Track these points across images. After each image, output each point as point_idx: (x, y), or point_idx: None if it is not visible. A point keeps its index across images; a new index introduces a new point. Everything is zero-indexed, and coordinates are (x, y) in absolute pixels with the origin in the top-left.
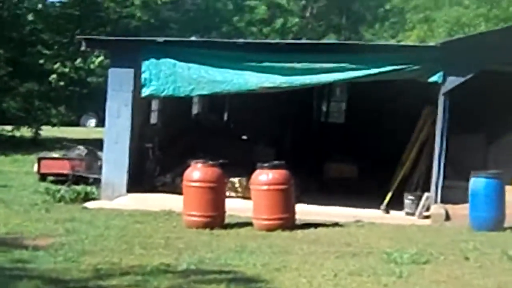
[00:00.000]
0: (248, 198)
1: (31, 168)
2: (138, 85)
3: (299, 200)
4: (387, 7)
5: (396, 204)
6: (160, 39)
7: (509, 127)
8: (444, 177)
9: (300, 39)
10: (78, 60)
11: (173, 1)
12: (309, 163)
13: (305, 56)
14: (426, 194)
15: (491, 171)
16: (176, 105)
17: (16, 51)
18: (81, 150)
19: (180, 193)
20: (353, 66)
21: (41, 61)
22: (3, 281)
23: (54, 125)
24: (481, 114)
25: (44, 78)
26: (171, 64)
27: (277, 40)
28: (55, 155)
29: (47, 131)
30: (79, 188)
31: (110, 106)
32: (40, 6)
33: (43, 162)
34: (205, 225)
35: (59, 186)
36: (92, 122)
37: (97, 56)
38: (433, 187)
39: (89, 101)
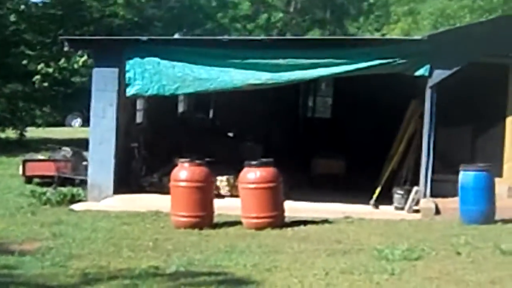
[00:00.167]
0: (237, 196)
1: (16, 171)
2: (122, 85)
3: (287, 197)
4: (371, 0)
5: (385, 199)
6: (144, 38)
7: (496, 119)
8: (433, 171)
9: (284, 34)
10: (62, 60)
11: None
12: (297, 159)
13: (291, 52)
14: (415, 188)
15: (480, 164)
16: (161, 104)
17: None
18: (67, 151)
19: (167, 193)
20: (339, 61)
21: (25, 62)
22: None
23: (39, 126)
24: (468, 107)
25: (28, 79)
26: (156, 62)
27: (262, 37)
28: (40, 157)
29: (32, 132)
30: (65, 190)
31: (95, 106)
32: (22, 6)
33: (28, 164)
34: (193, 225)
35: (45, 189)
36: (78, 122)
37: (81, 56)
38: (422, 181)
39: (73, 101)
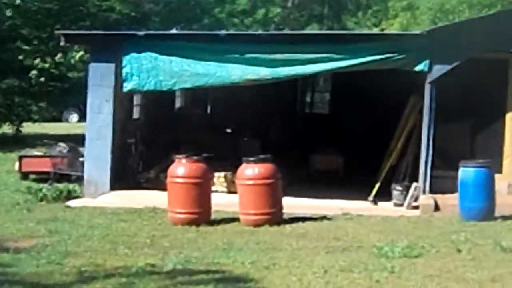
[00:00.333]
0: (234, 192)
1: (12, 167)
2: (119, 80)
3: (285, 193)
4: None
5: (384, 195)
6: (141, 33)
7: (496, 115)
8: (432, 167)
9: (282, 29)
10: (58, 55)
11: None
12: (295, 155)
13: (289, 47)
14: (414, 185)
15: (480, 160)
16: (158, 99)
17: None
18: (63, 147)
19: (164, 189)
20: (338, 56)
21: (21, 57)
22: None
23: (35, 121)
24: (467, 102)
25: (24, 74)
26: (153, 57)
27: (260, 31)
28: (36, 153)
29: (28, 128)
30: (61, 186)
31: (91, 101)
32: (18, 1)
33: (24, 160)
34: (191, 222)
35: (41, 185)
36: (74, 117)
37: (78, 51)
38: (421, 177)
39: (70, 96)
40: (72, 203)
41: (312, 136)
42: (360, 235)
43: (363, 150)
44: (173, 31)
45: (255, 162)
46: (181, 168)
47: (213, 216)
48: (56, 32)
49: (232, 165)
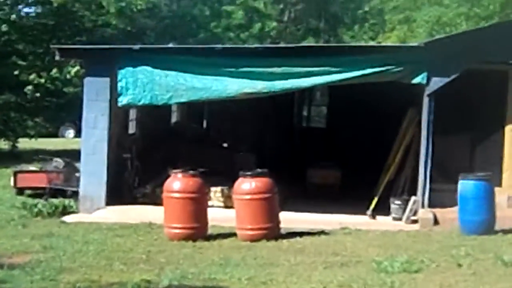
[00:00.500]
0: (231, 207)
1: (8, 182)
2: (114, 94)
3: (282, 207)
4: (366, 8)
5: (382, 209)
6: (136, 47)
7: (495, 127)
8: (431, 180)
9: (278, 43)
10: (54, 70)
11: (149, 8)
12: (292, 169)
13: (285, 60)
14: (413, 198)
15: (480, 173)
16: (154, 113)
17: None
18: (59, 162)
19: (160, 204)
20: (335, 69)
21: (17, 72)
22: None
23: (31, 136)
24: (466, 115)
25: (20, 89)
26: (148, 71)
27: (256, 45)
28: (32, 168)
29: (25, 143)
30: (56, 201)
31: (87, 116)
32: (14, 16)
33: (19, 175)
34: (187, 237)
35: (36, 200)
36: (71, 132)
37: (73, 66)
38: (420, 191)
39: (66, 111)
40: (67, 218)
41: (309, 150)
42: (359, 250)
43: (361, 164)
44: (171, 45)
45: (252, 176)
46: (177, 183)
47: (209, 231)
48: (52, 46)
49: (228, 180)
